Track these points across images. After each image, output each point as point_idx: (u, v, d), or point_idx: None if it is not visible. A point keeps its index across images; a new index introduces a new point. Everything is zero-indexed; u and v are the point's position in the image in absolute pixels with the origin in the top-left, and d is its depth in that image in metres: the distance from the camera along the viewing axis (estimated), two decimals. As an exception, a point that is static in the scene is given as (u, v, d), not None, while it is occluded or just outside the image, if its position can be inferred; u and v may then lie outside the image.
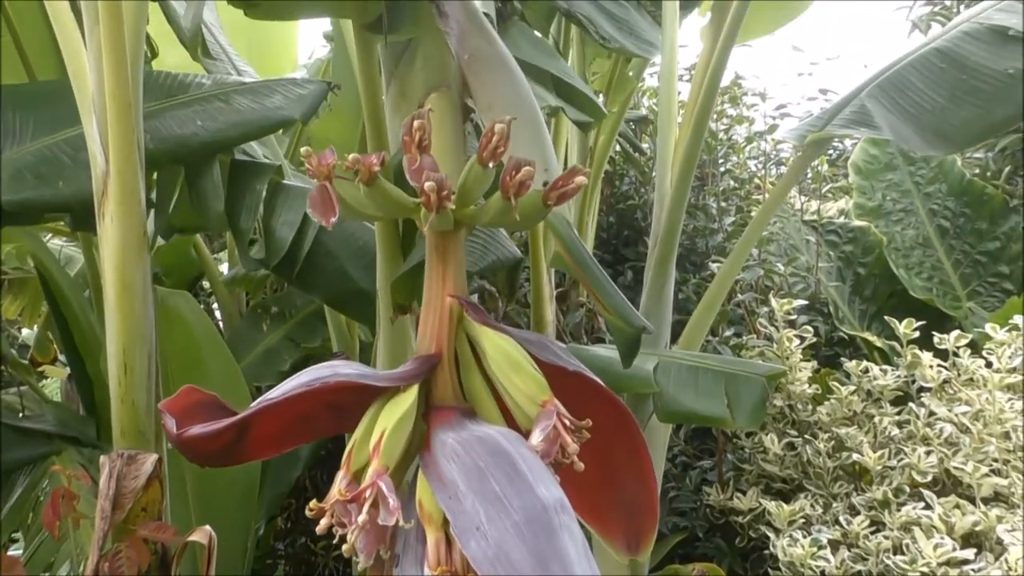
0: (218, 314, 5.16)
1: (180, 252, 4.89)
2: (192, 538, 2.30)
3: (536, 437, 1.30)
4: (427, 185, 1.32)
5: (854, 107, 3.23)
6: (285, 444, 1.46)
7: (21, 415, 3.26)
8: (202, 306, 5.19)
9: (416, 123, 1.36)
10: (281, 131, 4.41)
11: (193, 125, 2.80)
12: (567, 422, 1.33)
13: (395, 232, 2.43)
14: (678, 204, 3.35)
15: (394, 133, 2.51)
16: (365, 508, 1.22)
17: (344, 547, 1.28)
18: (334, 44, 4.51)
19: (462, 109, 1.92)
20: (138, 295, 2.39)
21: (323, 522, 1.26)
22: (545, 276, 4.06)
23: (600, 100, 4.69)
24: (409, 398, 1.33)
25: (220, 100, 2.91)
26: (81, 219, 2.76)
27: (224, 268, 5.11)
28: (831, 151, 8.06)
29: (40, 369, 5.42)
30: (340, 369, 1.35)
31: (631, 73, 4.90)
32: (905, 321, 3.85)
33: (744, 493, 3.66)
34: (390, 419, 1.30)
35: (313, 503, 1.26)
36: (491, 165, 1.39)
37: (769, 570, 3.19)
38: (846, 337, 5.22)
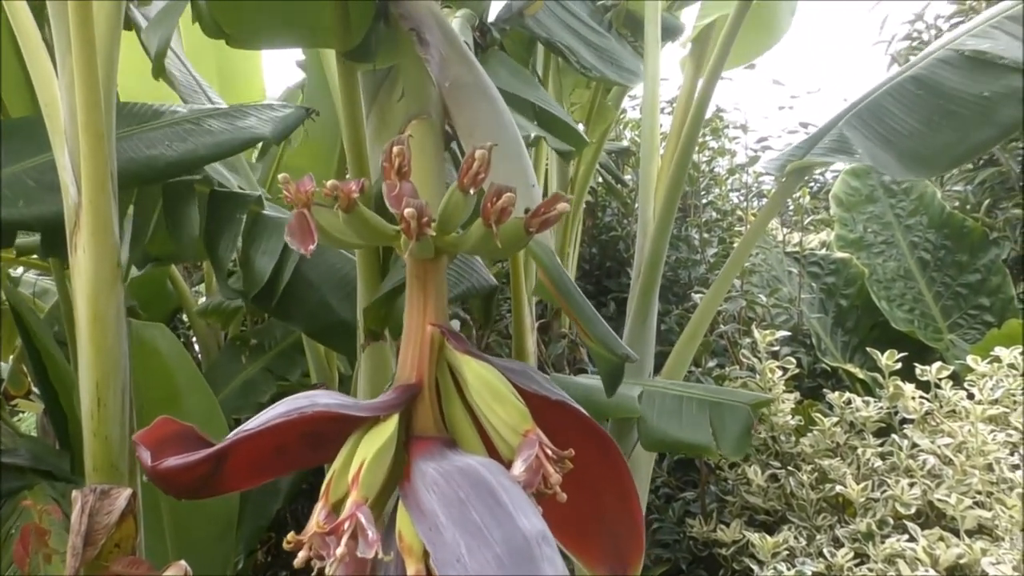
0: (197, 347, 5.12)
1: (157, 285, 4.86)
2: (167, 573, 2.26)
3: (518, 467, 1.29)
4: (407, 212, 1.32)
5: (833, 136, 3.26)
6: (263, 475, 1.44)
7: (-2, 450, 3.22)
8: (181, 339, 5.16)
9: (396, 149, 1.36)
10: (255, 158, 4.41)
11: (161, 146, 2.79)
12: (549, 452, 1.32)
13: (376, 260, 2.42)
14: (661, 234, 3.35)
15: (375, 162, 2.51)
16: (344, 540, 1.20)
17: (322, 581, 1.26)
18: (308, 74, 4.48)
19: (443, 136, 1.92)
20: (111, 328, 2.36)
21: (301, 555, 1.24)
22: (526, 306, 4.04)
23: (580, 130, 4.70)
24: (389, 428, 1.32)
25: (191, 123, 2.90)
26: (49, 244, 2.74)
27: (203, 301, 5.08)
28: (812, 184, 8.12)
29: (13, 403, 5.36)
30: (318, 399, 1.33)
31: (611, 103, 4.92)
32: (887, 352, 3.86)
33: (727, 525, 3.64)
34: (369, 450, 1.29)
35: (291, 535, 1.24)
36: (472, 191, 1.39)
37: (754, 603, 3.17)
38: (828, 369, 5.23)
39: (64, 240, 2.40)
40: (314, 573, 1.28)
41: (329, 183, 1.36)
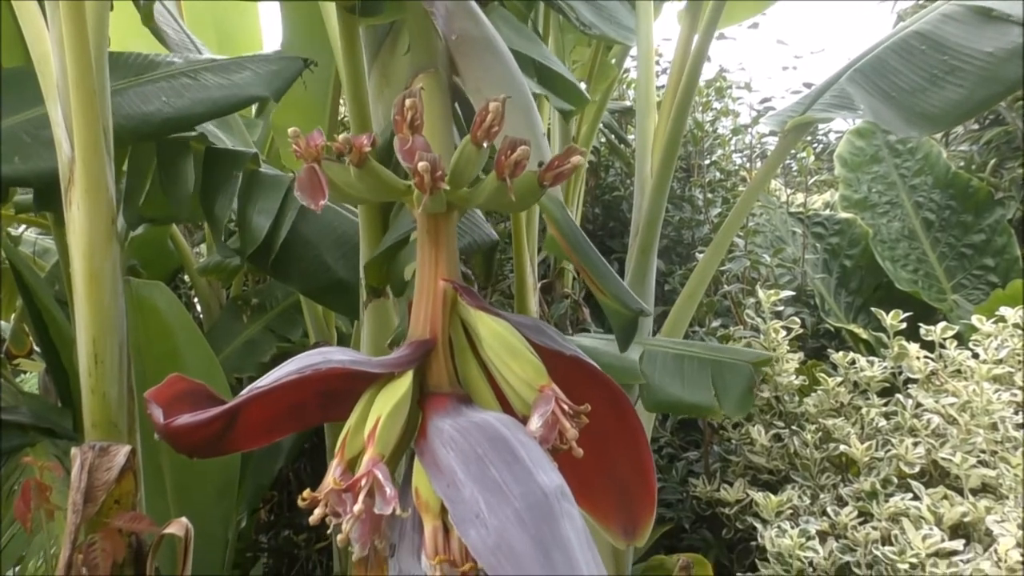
0: (199, 307, 5.11)
1: (157, 244, 4.84)
2: (168, 530, 2.26)
3: (534, 423, 1.28)
4: (420, 165, 1.30)
5: (834, 91, 3.23)
6: (275, 433, 1.43)
7: (-1, 408, 3.21)
8: (182, 300, 5.15)
9: (408, 101, 1.34)
10: (255, 115, 4.37)
11: (158, 101, 2.76)
12: (565, 407, 1.31)
13: (378, 217, 2.40)
14: (659, 191, 3.33)
15: (376, 119, 2.48)
16: (360, 497, 1.19)
17: (339, 537, 1.25)
18: (286, 31, 4.32)
19: (450, 90, 1.89)
20: (107, 284, 2.35)
21: (317, 512, 1.24)
22: (529, 266, 4.03)
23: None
24: (404, 384, 1.30)
25: (187, 77, 2.87)
26: (44, 199, 2.71)
27: (203, 260, 5.06)
28: (816, 144, 8.09)
29: (15, 362, 5.34)
30: (332, 355, 1.32)
31: (613, 61, 4.88)
32: (892, 312, 3.85)
33: (731, 484, 3.66)
34: (385, 406, 1.28)
35: (307, 492, 1.23)
36: (485, 145, 1.37)
37: (756, 561, 3.18)
38: (832, 329, 5.23)
39: (59, 196, 2.39)
40: (330, 530, 1.27)
41: (341, 136, 1.34)
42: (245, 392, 1.29)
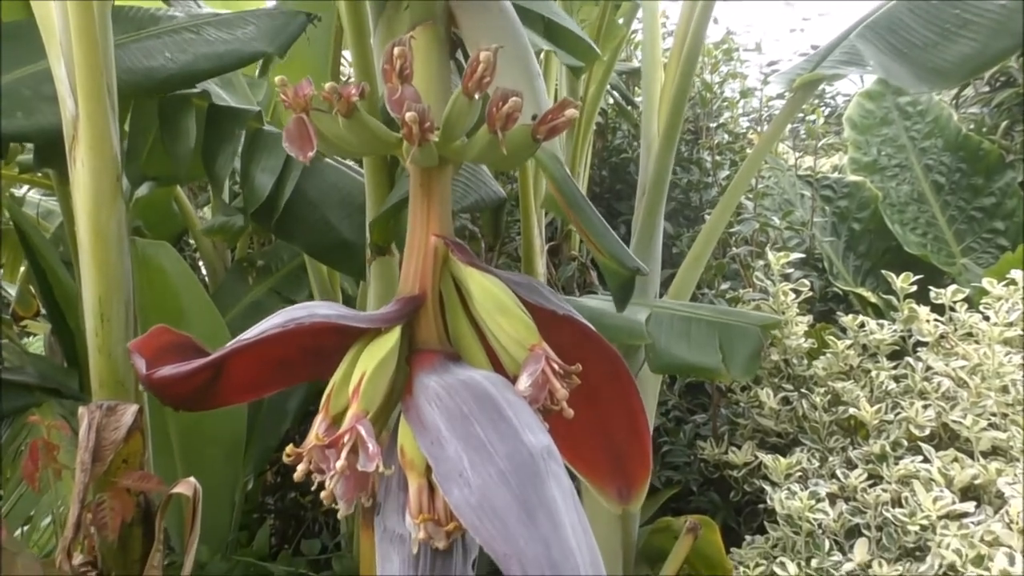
0: (203, 270, 5.09)
1: (161, 206, 4.82)
2: (176, 490, 2.25)
3: (523, 382, 1.25)
4: (408, 116, 1.26)
5: (844, 48, 3.16)
6: (262, 389, 1.40)
7: (1, 368, 3.20)
8: (187, 262, 5.13)
9: (396, 50, 1.29)
10: (257, 74, 4.32)
11: (161, 57, 2.71)
12: (556, 366, 1.28)
13: (384, 174, 2.37)
14: (666, 152, 3.27)
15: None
16: (343, 453, 1.17)
17: (323, 494, 1.23)
18: None
19: (448, 44, 1.84)
20: (112, 242, 2.31)
21: (300, 468, 1.21)
22: (536, 228, 3.99)
23: (590, 44, 4.58)
24: (391, 340, 1.27)
25: (191, 32, 2.81)
26: (46, 155, 2.67)
27: (207, 221, 5.03)
28: (823, 107, 7.98)
29: (22, 324, 5.35)
30: (317, 310, 1.29)
31: (620, 21, 4.80)
32: (903, 275, 3.80)
33: (739, 447, 3.63)
34: (370, 362, 1.25)
35: (290, 448, 1.21)
36: (477, 96, 1.32)
37: (765, 523, 3.16)
38: (840, 293, 5.18)
39: (62, 152, 2.35)
40: (314, 487, 1.25)
41: (327, 85, 1.29)
42: (229, 345, 1.26)
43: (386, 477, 1.26)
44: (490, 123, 1.30)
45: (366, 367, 1.24)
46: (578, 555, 1.11)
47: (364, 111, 1.33)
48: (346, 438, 1.17)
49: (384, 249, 2.35)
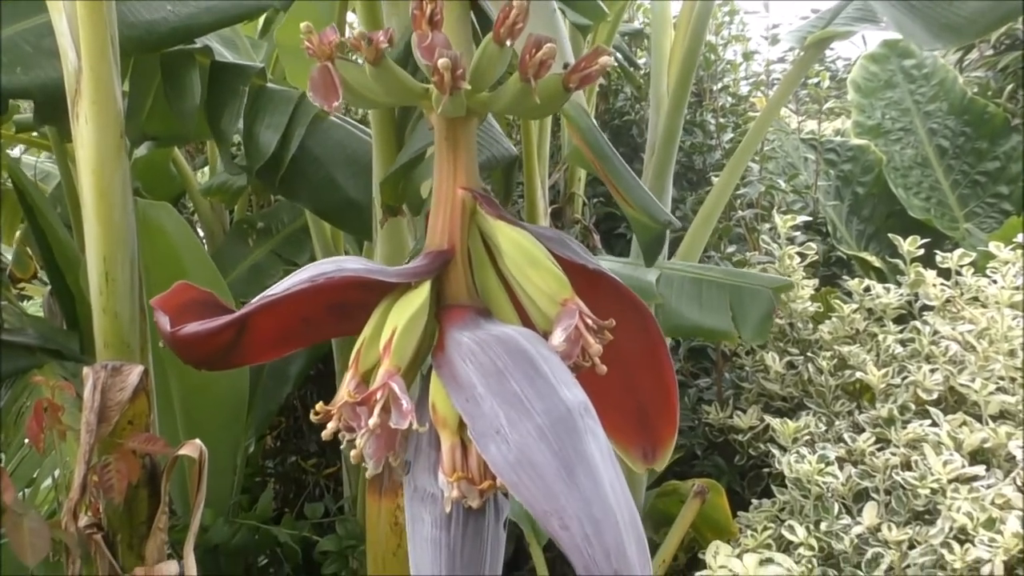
0: (201, 232, 5.05)
1: (159, 168, 4.77)
2: (182, 452, 2.23)
3: (557, 337, 1.22)
4: (440, 63, 1.21)
5: (856, 5, 3.13)
6: (285, 346, 1.37)
7: (1, 329, 3.16)
8: (184, 223, 5.08)
9: (427, -5, 1.25)
10: (258, 34, 4.26)
11: (163, 10, 2.65)
12: (589, 322, 1.25)
13: (392, 132, 2.33)
14: (676, 110, 3.24)
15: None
16: (376, 410, 1.14)
17: (352, 453, 1.20)
18: None
19: (468, -4, 1.80)
20: (117, 200, 2.27)
21: (330, 426, 1.18)
22: (539, 191, 3.96)
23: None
24: (421, 295, 1.24)
25: (193, -17, 2.76)
26: (46, 112, 2.62)
27: (207, 181, 4.97)
28: (824, 70, 7.93)
29: (19, 287, 5.31)
30: (345, 264, 1.25)
31: (626, -19, 4.75)
32: (910, 238, 3.79)
33: (743, 412, 3.62)
34: (401, 317, 1.21)
35: (319, 406, 1.18)
36: (508, 43, 1.28)
37: (772, 487, 3.15)
38: (843, 257, 5.17)
39: (63, 108, 2.30)
40: (343, 445, 1.22)
41: (357, 31, 1.25)
42: (255, 301, 1.22)
43: (416, 435, 1.23)
44: (523, 71, 1.25)
45: (397, 322, 1.20)
46: (618, 512, 1.09)
47: (391, 60, 1.30)
48: (379, 395, 1.14)
49: (395, 209, 2.32)
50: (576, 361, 1.26)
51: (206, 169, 5.61)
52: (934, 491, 2.67)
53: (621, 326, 1.34)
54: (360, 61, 1.32)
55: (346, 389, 1.18)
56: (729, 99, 5.59)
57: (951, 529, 2.57)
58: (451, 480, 1.16)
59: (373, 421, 1.14)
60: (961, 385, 3.08)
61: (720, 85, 5.57)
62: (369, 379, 1.21)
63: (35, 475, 3.45)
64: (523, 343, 1.18)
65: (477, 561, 1.23)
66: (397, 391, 1.14)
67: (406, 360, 1.21)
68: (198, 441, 2.27)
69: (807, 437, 3.16)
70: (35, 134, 4.22)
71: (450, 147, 1.36)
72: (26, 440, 3.29)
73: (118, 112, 2.25)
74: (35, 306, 5.97)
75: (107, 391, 2.17)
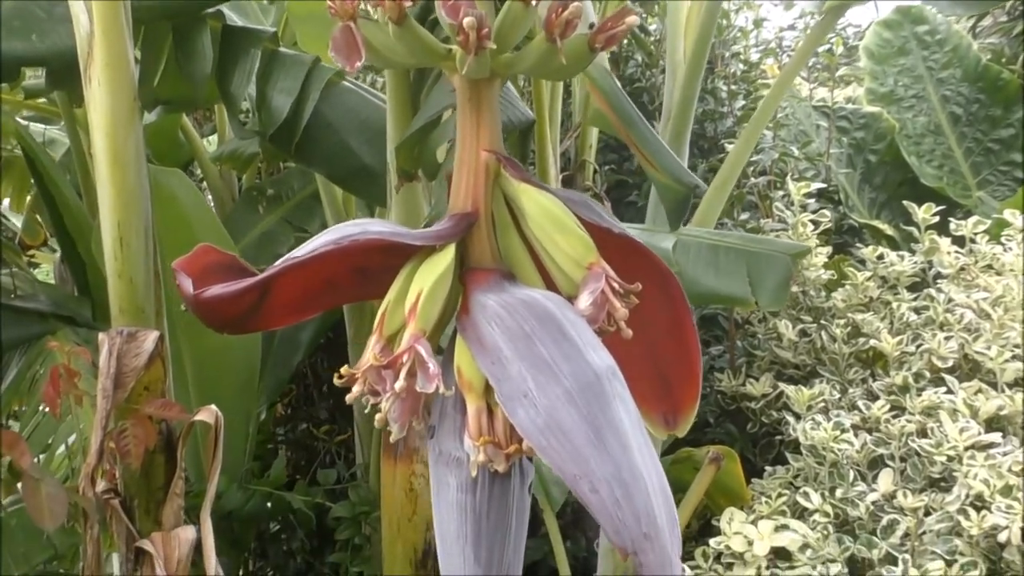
0: (210, 200, 5.03)
1: (168, 135, 4.74)
2: (198, 418, 2.23)
3: (584, 301, 1.21)
4: (466, 21, 1.20)
5: (877, -31, 3.10)
6: (307, 310, 1.36)
7: (14, 296, 3.16)
8: (194, 192, 5.06)
9: (452, -48, 1.23)
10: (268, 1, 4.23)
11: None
12: (616, 286, 1.24)
13: (407, 97, 2.31)
14: (693, 75, 3.20)
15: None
16: (402, 374, 1.13)
17: (376, 417, 1.19)
18: None
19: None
20: (131, 164, 2.26)
21: (355, 389, 1.17)
22: (551, 158, 3.93)
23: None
24: (447, 258, 1.23)
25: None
26: (59, 77, 2.61)
27: (218, 148, 4.95)
28: (840, 37, 7.86)
29: (29, 254, 5.30)
30: (370, 227, 1.24)
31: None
32: (924, 206, 3.77)
33: (756, 379, 3.61)
34: (427, 279, 1.20)
35: (345, 369, 1.17)
36: (534, 3, 1.26)
37: (786, 454, 3.16)
38: (855, 225, 5.14)
39: (76, 73, 2.28)
40: (367, 409, 1.21)
41: (380, -11, 1.23)
42: (279, 263, 1.21)
43: (440, 399, 1.22)
44: (548, 31, 1.24)
45: (422, 285, 1.20)
46: (646, 476, 1.09)
47: (413, 20, 1.28)
48: (405, 358, 1.13)
49: (411, 174, 2.30)
50: (600, 326, 1.25)
51: (212, 138, 5.59)
52: (950, 458, 2.67)
53: (645, 291, 1.33)
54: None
55: (371, 352, 1.18)
56: (740, 66, 5.54)
57: (967, 496, 2.57)
58: (477, 444, 1.15)
59: (399, 385, 1.13)
60: (976, 353, 3.08)
61: (731, 51, 5.52)
62: (394, 343, 1.20)
63: (50, 441, 3.46)
64: (550, 306, 1.18)
65: (503, 525, 1.23)
66: (424, 354, 1.13)
67: (431, 323, 1.20)
68: (214, 407, 2.27)
69: (821, 404, 3.15)
70: (43, 100, 4.20)
71: (473, 109, 1.35)
72: (41, 406, 3.31)
73: (131, 75, 2.24)
74: (43, 274, 5.98)
75: (123, 357, 2.17)
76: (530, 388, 1.09)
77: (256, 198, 4.37)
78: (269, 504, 3.88)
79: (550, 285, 1.31)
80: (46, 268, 5.92)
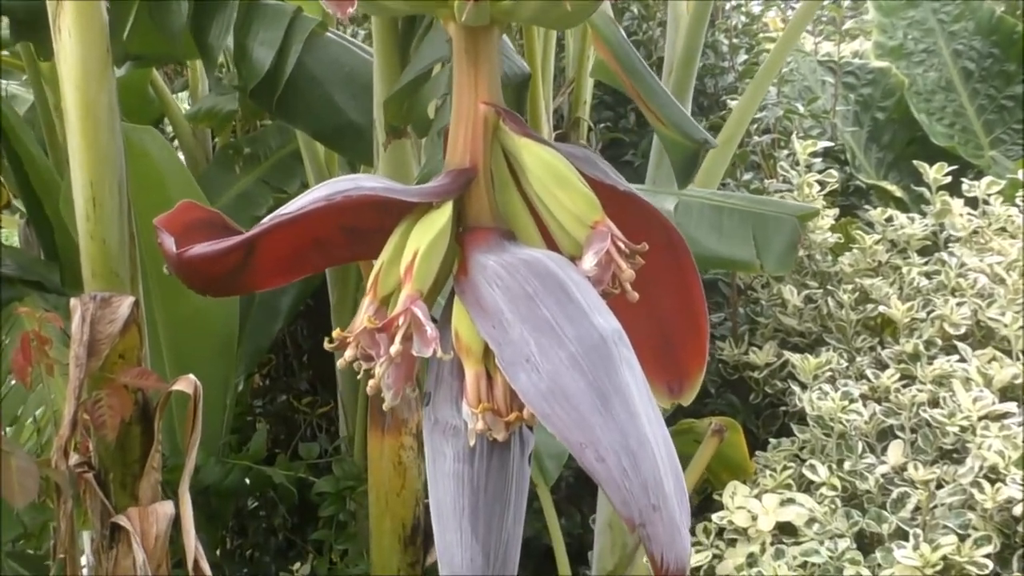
0: (183, 159, 4.99)
1: (137, 91, 4.68)
2: (176, 387, 2.22)
3: (588, 261, 1.20)
4: (465, -36, 1.18)
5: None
6: (294, 271, 1.35)
7: (-23, 260, 3.14)
8: (166, 150, 5.02)
9: None
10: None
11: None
12: (621, 245, 1.23)
13: (395, 48, 2.29)
14: (697, 26, 3.18)
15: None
16: (398, 337, 1.12)
17: (370, 383, 1.19)
18: None
19: None
20: (103, 119, 2.24)
21: (348, 353, 1.17)
22: (544, 115, 3.92)
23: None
24: (444, 215, 1.22)
25: None
26: (25, 28, 2.58)
27: (193, 105, 4.91)
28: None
29: (-8, 217, 5.25)
30: (363, 182, 1.23)
31: None
32: (936, 165, 3.77)
33: (759, 348, 3.62)
34: (423, 238, 1.19)
35: (337, 332, 1.16)
36: (536, -53, 1.25)
37: (792, 426, 3.17)
38: (863, 186, 5.14)
39: (44, 23, 2.25)
40: (360, 375, 1.21)
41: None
42: (266, 221, 1.20)
43: (436, 365, 1.22)
44: (552, -26, 1.23)
45: (419, 244, 1.19)
46: (654, 444, 1.08)
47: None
48: (401, 320, 1.12)
49: (400, 131, 2.29)
50: (605, 288, 1.25)
51: (183, 94, 5.54)
52: (963, 429, 2.69)
53: (651, 251, 1.33)
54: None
55: (365, 315, 1.17)
56: (742, 18, 5.51)
57: (981, 468, 2.59)
58: (476, 411, 1.15)
59: (395, 349, 1.12)
60: (990, 319, 3.09)
61: (732, 3, 5.49)
62: (388, 304, 1.20)
63: (19, 412, 3.45)
64: (552, 267, 1.17)
65: (502, 496, 1.22)
66: (420, 316, 1.12)
67: (428, 284, 1.19)
68: (192, 376, 2.27)
69: (828, 374, 3.17)
70: (5, 53, 4.15)
71: (471, 60, 1.33)
72: (9, 376, 3.29)
73: (103, 25, 2.21)
74: (6, 238, 5.92)
75: (96, 323, 2.15)
76: (532, 352, 1.08)
77: (232, 157, 4.34)
78: (248, 479, 3.88)
79: (552, 245, 1.30)
80: (7, 232, 5.87)
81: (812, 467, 2.83)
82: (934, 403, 2.86)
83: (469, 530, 1.22)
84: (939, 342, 3.14)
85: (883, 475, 2.77)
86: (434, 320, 1.24)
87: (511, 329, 1.11)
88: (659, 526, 1.05)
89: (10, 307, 3.13)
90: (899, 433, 2.86)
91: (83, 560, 2.55)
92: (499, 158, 1.33)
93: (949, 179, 3.75)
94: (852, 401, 2.89)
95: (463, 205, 1.29)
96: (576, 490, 3.95)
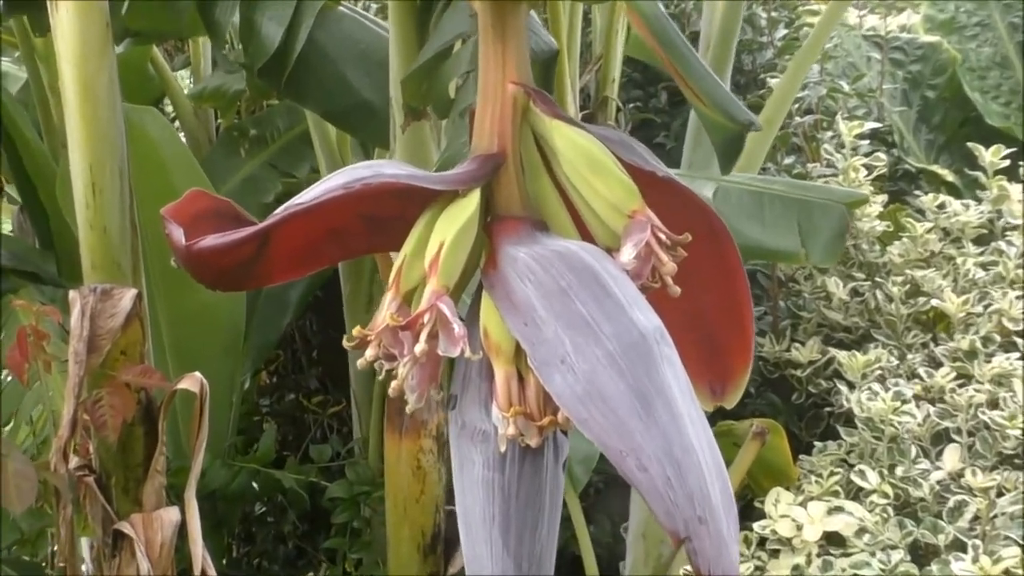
0: (184, 141, 5.00)
1: (137, 69, 4.69)
2: (181, 386, 2.22)
3: (627, 253, 1.18)
4: (493, -66, 1.17)
5: None
6: (309, 263, 1.34)
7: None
8: (168, 132, 5.03)
9: None
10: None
11: None
12: (662, 236, 1.21)
13: (413, 25, 2.28)
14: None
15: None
16: (423, 336, 1.11)
17: (392, 385, 1.18)
18: None
19: None
20: (103, 99, 2.24)
21: (369, 353, 1.16)
22: (570, 95, 3.90)
23: None
24: (471, 204, 1.20)
25: None
26: (20, 3, 2.58)
27: (198, 84, 4.92)
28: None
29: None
30: (384, 169, 1.22)
31: None
32: (992, 147, 3.73)
33: (802, 344, 3.60)
34: (449, 229, 1.18)
35: (357, 330, 1.15)
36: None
37: (838, 428, 3.15)
38: (912, 170, 5.11)
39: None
40: (381, 376, 1.20)
41: None
42: (281, 210, 1.19)
43: (463, 365, 1.21)
44: (587, -56, 1.21)
45: (444, 235, 1.17)
46: (700, 452, 1.07)
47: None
48: (426, 318, 1.11)
49: (419, 112, 2.28)
50: (644, 282, 1.23)
51: (183, 72, 5.55)
52: (1025, 432, 2.67)
53: (693, 242, 1.31)
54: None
55: (387, 311, 1.16)
56: (782, -10, 5.49)
57: (1045, 475, 2.57)
58: (507, 415, 1.14)
59: (420, 348, 1.11)
60: (1052, 313, 3.07)
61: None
62: (412, 300, 1.19)
63: (15, 411, 3.47)
64: (588, 259, 1.15)
65: (534, 505, 1.21)
66: (447, 313, 1.11)
67: (455, 278, 1.18)
68: (198, 374, 2.27)
69: (878, 372, 3.14)
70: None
71: (497, 36, 1.32)
72: (5, 373, 3.30)
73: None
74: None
75: (97, 317, 2.16)
76: (567, 352, 1.07)
77: (237, 139, 4.34)
78: (255, 483, 3.88)
79: (586, 236, 1.29)
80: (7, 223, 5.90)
81: (861, 473, 2.80)
82: (993, 404, 2.83)
83: (500, 541, 1.21)
84: (997, 338, 3.11)
85: (938, 482, 2.75)
86: (461, 318, 1.24)
87: (544, 327, 1.10)
88: (706, 540, 1.03)
89: (5, 300, 3.15)
90: (955, 436, 2.84)
91: (83, 568, 2.56)
92: (529, 142, 1.32)
93: (1007, 162, 3.71)
94: (904, 402, 2.87)
95: (491, 193, 1.27)
96: (606, 497, 3.94)
